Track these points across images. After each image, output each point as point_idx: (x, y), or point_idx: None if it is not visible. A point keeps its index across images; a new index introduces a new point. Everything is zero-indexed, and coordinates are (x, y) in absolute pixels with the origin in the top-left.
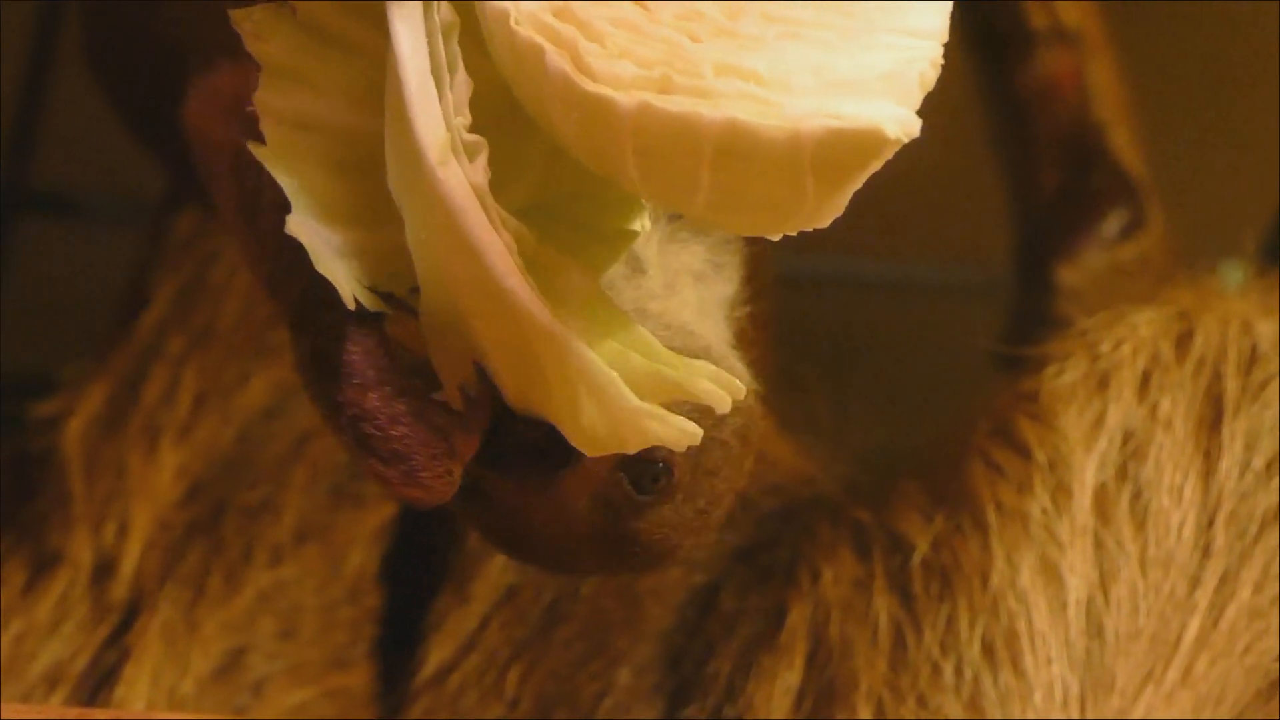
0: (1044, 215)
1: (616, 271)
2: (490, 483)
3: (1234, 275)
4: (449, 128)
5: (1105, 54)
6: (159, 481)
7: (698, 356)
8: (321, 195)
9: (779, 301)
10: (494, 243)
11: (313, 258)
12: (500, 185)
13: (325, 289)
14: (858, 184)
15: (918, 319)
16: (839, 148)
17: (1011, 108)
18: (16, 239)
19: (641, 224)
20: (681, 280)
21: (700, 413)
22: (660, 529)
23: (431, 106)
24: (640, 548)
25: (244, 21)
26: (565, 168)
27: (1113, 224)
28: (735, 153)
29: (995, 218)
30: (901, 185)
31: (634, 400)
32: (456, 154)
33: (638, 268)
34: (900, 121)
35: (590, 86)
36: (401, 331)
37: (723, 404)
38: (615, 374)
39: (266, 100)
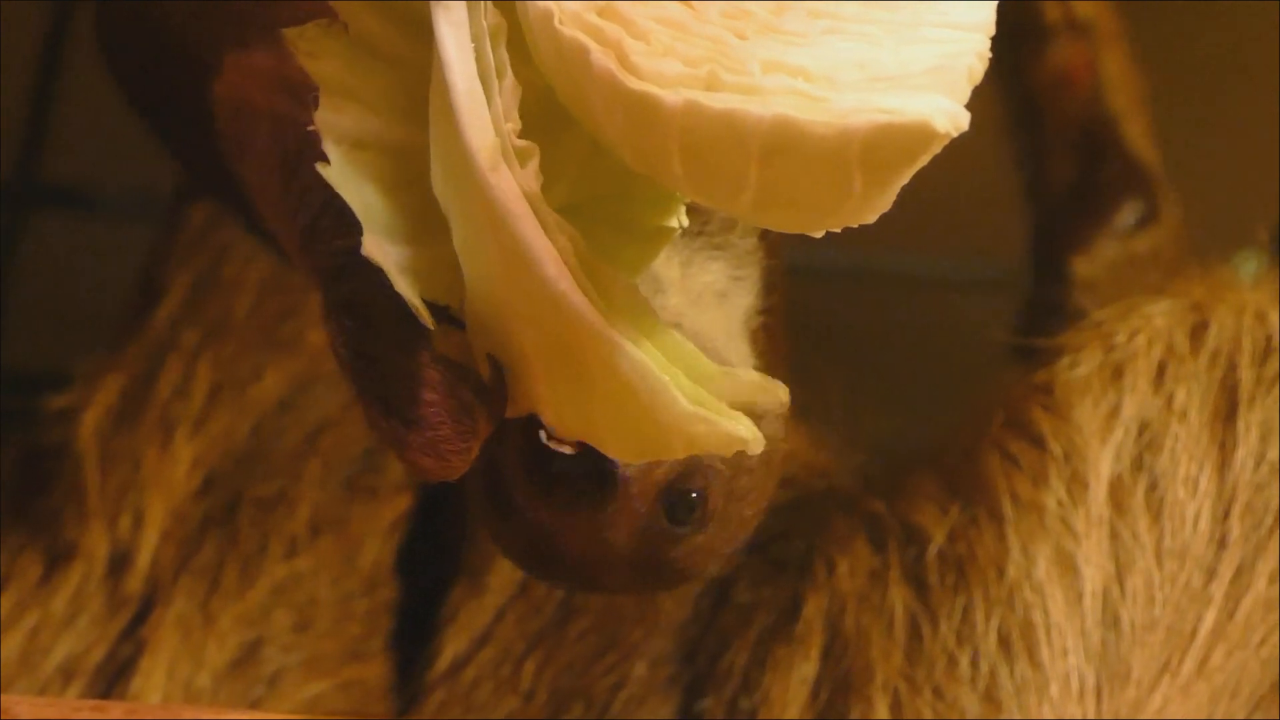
0: (1058, 207)
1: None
2: (529, 506)
3: (1248, 266)
4: (499, 133)
5: (1118, 46)
6: (174, 474)
7: None
8: (380, 212)
9: (793, 294)
10: (547, 247)
11: (390, 278)
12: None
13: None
14: (905, 179)
15: (932, 311)
16: (887, 142)
17: (1025, 100)
18: (30, 233)
19: (679, 221)
20: (706, 300)
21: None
22: (693, 556)
23: (480, 112)
24: (672, 573)
25: (298, 40)
26: (601, 169)
27: (1127, 215)
28: (783, 149)
29: (1009, 210)
30: (916, 178)
31: (685, 404)
32: (507, 159)
33: (659, 288)
34: (949, 114)
35: (636, 85)
36: (447, 345)
37: (754, 443)
38: (667, 378)
39: (325, 119)
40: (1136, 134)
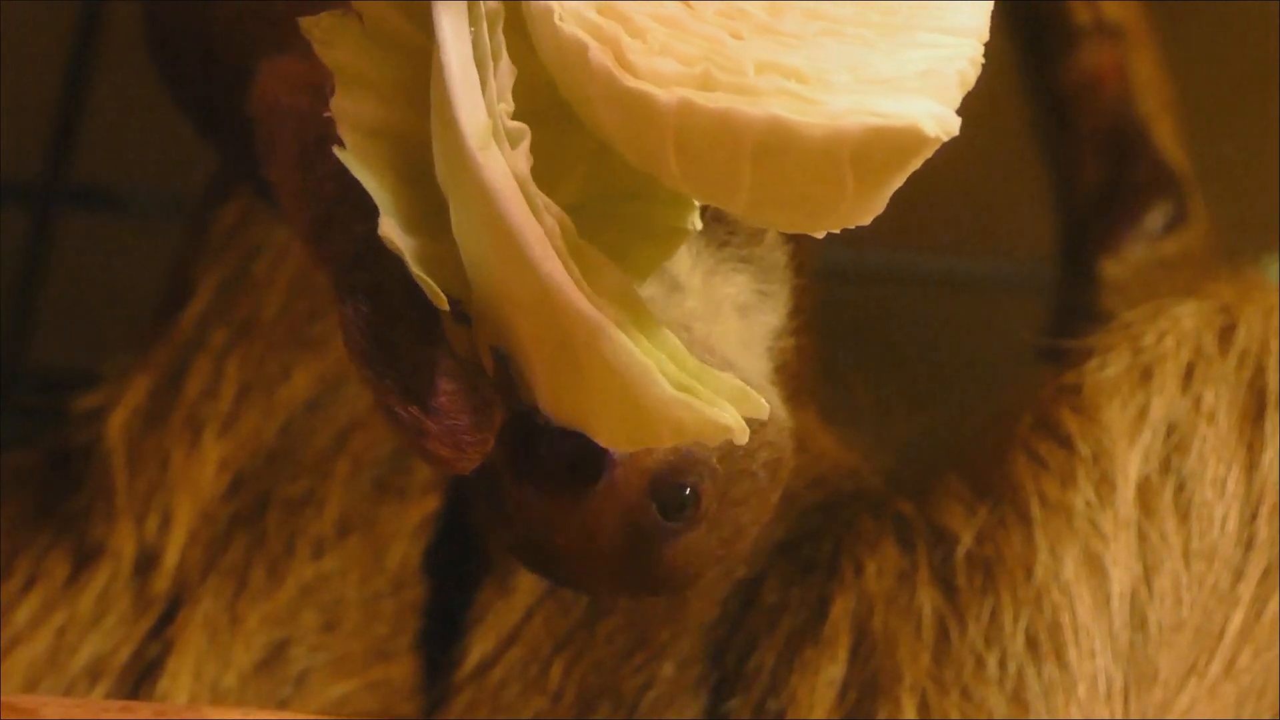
0: (1087, 208)
1: (656, 290)
2: (519, 496)
3: (1276, 268)
4: (491, 114)
5: (1148, 48)
6: (202, 474)
7: None
8: (393, 201)
9: (822, 296)
10: (533, 227)
11: (407, 262)
12: (547, 183)
13: (379, 240)
14: (898, 182)
15: (960, 312)
16: (878, 145)
17: (1054, 101)
18: (59, 233)
19: (692, 222)
20: (725, 311)
21: (732, 444)
22: (684, 556)
23: (473, 93)
24: (663, 573)
25: (313, 29)
26: (612, 166)
27: (1155, 217)
28: (776, 150)
29: (1038, 211)
30: (945, 178)
31: (669, 390)
32: (499, 140)
33: (675, 287)
34: (939, 119)
35: (632, 83)
36: (455, 338)
37: (739, 432)
38: (650, 362)
39: (341, 106)
40: (1165, 136)
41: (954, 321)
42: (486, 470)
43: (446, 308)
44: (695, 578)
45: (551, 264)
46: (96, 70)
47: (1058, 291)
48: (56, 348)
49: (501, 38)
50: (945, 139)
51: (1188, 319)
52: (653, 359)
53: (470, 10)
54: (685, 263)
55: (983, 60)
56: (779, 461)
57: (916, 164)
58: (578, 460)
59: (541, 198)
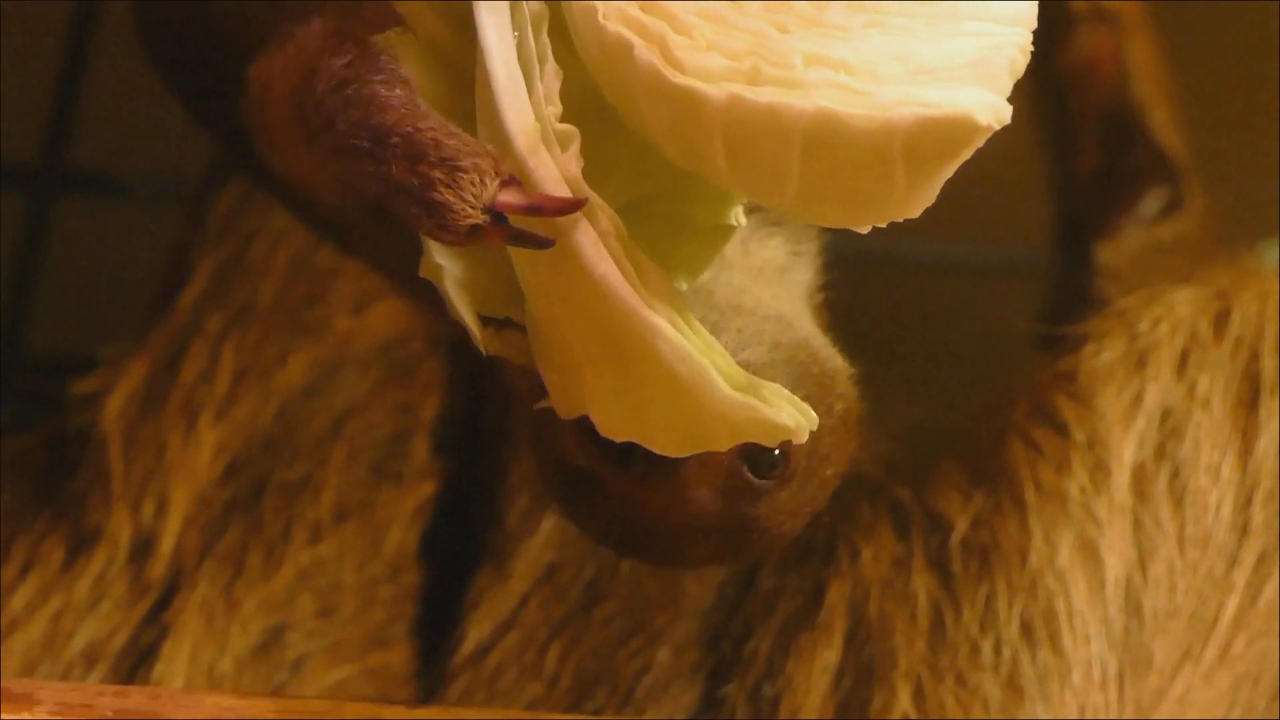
0: (1083, 194)
1: (703, 276)
2: (609, 476)
3: (1272, 254)
4: (539, 117)
5: (1144, 34)
6: (198, 459)
7: (799, 347)
8: None
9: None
10: (586, 230)
11: (446, 299)
12: (590, 185)
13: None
14: (948, 173)
15: (956, 298)
16: (930, 135)
17: (1052, 88)
18: (56, 219)
19: (736, 219)
20: (765, 275)
21: (814, 399)
22: (777, 515)
23: (520, 96)
24: (757, 534)
25: (387, 47)
26: (654, 166)
27: (1151, 203)
28: (826, 143)
29: (1034, 197)
30: None
31: (727, 389)
32: (548, 143)
33: (724, 264)
34: (991, 108)
35: (679, 79)
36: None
37: (799, 432)
38: (708, 362)
39: None
40: (1162, 122)
41: (950, 308)
42: (563, 467)
43: (484, 348)
44: (787, 535)
45: (606, 266)
46: (94, 55)
47: (1053, 277)
48: (54, 333)
49: (546, 40)
50: (998, 127)
51: (1183, 305)
52: (708, 357)
53: (513, 13)
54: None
55: (1032, 48)
56: (850, 410)
57: (968, 153)
58: None
59: (595, 198)
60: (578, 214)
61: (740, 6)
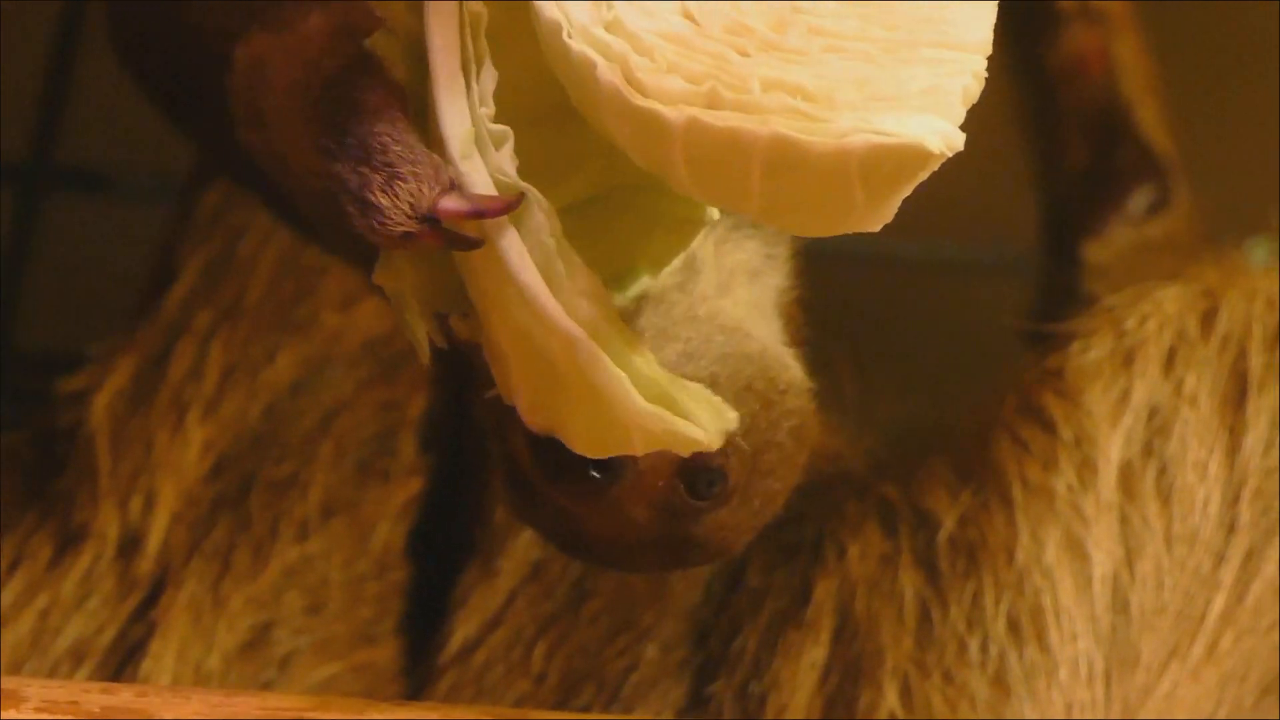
0: (1070, 192)
1: (670, 280)
2: (546, 492)
3: (1259, 252)
4: (474, 120)
5: (1132, 32)
6: (186, 456)
7: (749, 361)
8: None
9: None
10: (512, 237)
11: (397, 309)
12: (563, 175)
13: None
14: (906, 192)
15: (944, 295)
16: (884, 162)
17: (1039, 85)
18: (44, 216)
19: (709, 214)
20: (736, 279)
21: (758, 415)
22: (718, 531)
23: (459, 101)
24: (698, 549)
25: (380, 49)
26: (627, 159)
27: (1139, 201)
28: (784, 164)
29: (1022, 195)
30: None
31: (641, 402)
32: (481, 145)
33: (694, 269)
34: (943, 136)
35: (640, 102)
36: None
37: (710, 443)
38: (624, 374)
39: None
40: (1149, 120)
41: (937, 305)
42: (511, 467)
43: (426, 361)
44: (732, 547)
45: (529, 275)
46: (83, 53)
47: (1041, 275)
48: (42, 330)
49: (485, 43)
50: (950, 154)
51: (1170, 303)
52: (628, 371)
53: (459, 16)
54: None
55: (986, 75)
56: (802, 426)
57: (923, 177)
58: (599, 461)
59: (533, 196)
60: (505, 221)
61: (702, 28)
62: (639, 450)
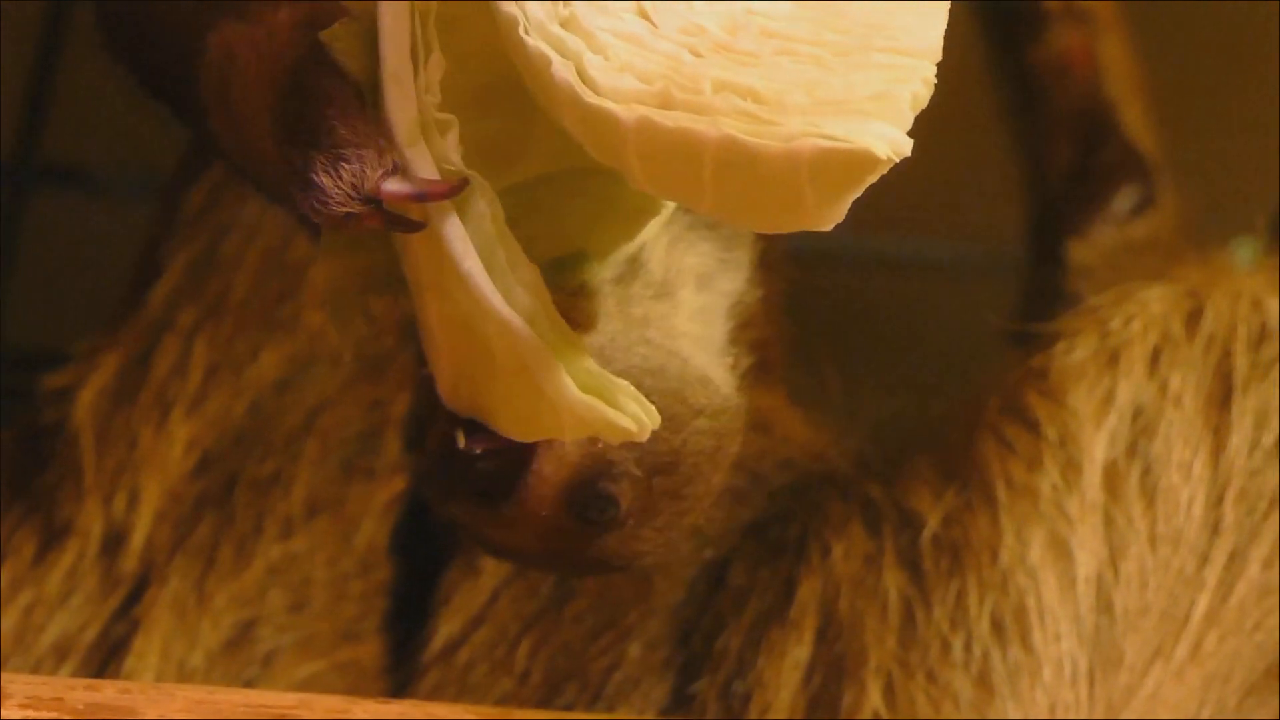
0: (1055, 192)
1: (610, 273)
2: (444, 491)
3: (1244, 252)
4: (420, 107)
5: (1117, 31)
6: (170, 454)
7: (671, 373)
8: None
9: (791, 278)
10: (454, 224)
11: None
12: (516, 155)
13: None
14: (857, 193)
15: (929, 295)
16: (832, 166)
17: (1024, 85)
18: (29, 213)
19: (663, 205)
20: (684, 282)
21: (659, 438)
22: (615, 549)
23: (406, 89)
24: (599, 564)
25: (335, 42)
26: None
27: (1124, 201)
28: (734, 165)
29: (1007, 194)
30: (913, 161)
31: (574, 390)
32: (427, 132)
33: (638, 265)
34: (890, 141)
35: (592, 99)
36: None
37: (640, 434)
38: (560, 362)
39: None
40: (1134, 120)
41: (922, 305)
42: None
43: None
44: (634, 560)
45: (470, 261)
46: (67, 50)
47: (1026, 275)
48: (26, 327)
49: (433, 32)
50: (897, 159)
51: (1155, 303)
52: (562, 359)
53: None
54: (650, 231)
55: (935, 81)
56: (718, 449)
57: (871, 181)
58: (488, 485)
59: (477, 181)
60: (448, 206)
61: (657, 28)
62: (568, 436)
